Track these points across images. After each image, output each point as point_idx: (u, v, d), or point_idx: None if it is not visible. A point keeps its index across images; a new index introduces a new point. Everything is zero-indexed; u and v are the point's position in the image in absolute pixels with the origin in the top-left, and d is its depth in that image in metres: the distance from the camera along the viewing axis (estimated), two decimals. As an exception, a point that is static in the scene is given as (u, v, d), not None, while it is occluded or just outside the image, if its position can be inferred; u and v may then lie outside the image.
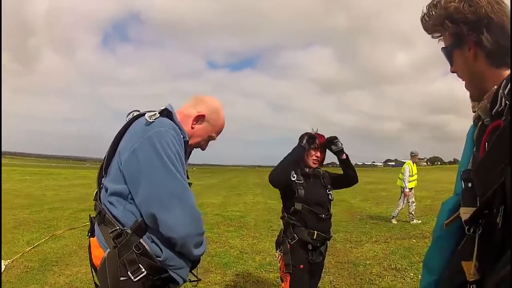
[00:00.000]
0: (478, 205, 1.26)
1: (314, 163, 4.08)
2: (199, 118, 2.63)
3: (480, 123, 1.49)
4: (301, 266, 3.83)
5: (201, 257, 2.53)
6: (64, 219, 12.51)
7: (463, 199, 1.37)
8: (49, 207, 15.43)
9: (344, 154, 4.18)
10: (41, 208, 15.06)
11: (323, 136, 4.16)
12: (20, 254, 7.80)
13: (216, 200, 19.61)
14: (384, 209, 16.02)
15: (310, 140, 4.04)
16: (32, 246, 8.55)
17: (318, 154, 4.09)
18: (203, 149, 2.77)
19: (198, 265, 2.63)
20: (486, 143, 1.30)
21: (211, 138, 2.74)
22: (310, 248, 3.92)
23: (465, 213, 1.30)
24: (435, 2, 1.56)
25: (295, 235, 3.92)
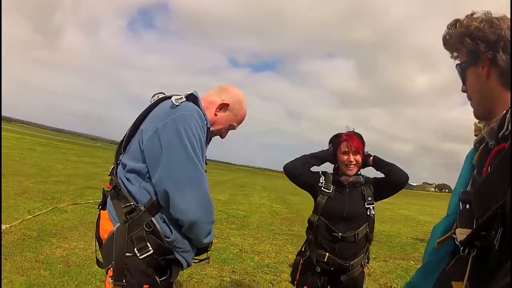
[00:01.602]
0: (474, 226, 1.26)
1: (349, 170, 3.46)
2: (223, 106, 2.67)
3: (482, 146, 1.49)
4: (305, 287, 3.45)
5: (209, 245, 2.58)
6: (69, 194, 12.51)
7: (460, 220, 1.38)
8: (55, 179, 15.42)
9: (371, 158, 3.58)
10: (46, 179, 15.05)
11: (356, 137, 3.52)
12: (19, 221, 7.77)
13: (222, 197, 19.54)
14: (387, 228, 15.92)
15: (335, 141, 3.57)
16: (32, 215, 8.52)
17: (352, 158, 3.45)
18: (222, 137, 2.81)
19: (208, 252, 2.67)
20: (490, 166, 1.27)
21: (231, 127, 2.78)
22: (319, 271, 3.42)
23: (461, 233, 1.30)
24: (456, 21, 1.58)
25: (308, 251, 3.52)
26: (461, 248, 1.28)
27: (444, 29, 1.63)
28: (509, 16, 1.48)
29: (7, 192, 10.54)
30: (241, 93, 2.80)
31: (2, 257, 5.58)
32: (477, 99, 1.56)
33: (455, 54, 1.63)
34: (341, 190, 3.50)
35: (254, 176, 78.05)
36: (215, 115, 2.64)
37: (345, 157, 3.45)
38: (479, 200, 1.27)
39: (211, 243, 2.56)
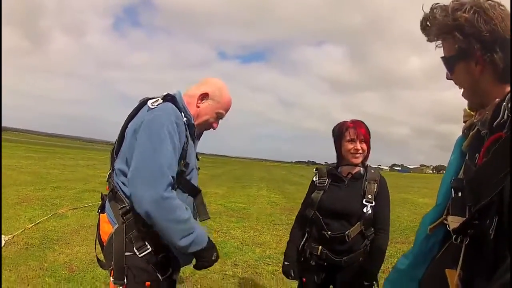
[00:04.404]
0: (467, 214, 1.27)
1: (355, 158, 3.21)
2: (203, 97, 2.71)
3: (472, 132, 1.49)
4: (304, 279, 3.32)
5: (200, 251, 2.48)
6: (68, 199, 12.51)
7: (452, 207, 1.38)
8: (53, 185, 15.39)
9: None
10: (45, 186, 15.04)
11: (362, 124, 3.25)
12: (21, 230, 7.81)
13: (220, 190, 19.55)
14: (387, 213, 15.99)
15: (339, 132, 3.29)
16: (33, 223, 8.55)
17: (359, 146, 3.19)
18: (214, 127, 2.83)
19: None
20: (485, 154, 1.28)
21: (219, 115, 2.80)
22: (314, 264, 3.23)
23: (453, 221, 1.31)
24: (438, 5, 1.47)
25: (307, 243, 3.34)
26: (454, 236, 1.29)
27: (423, 11, 1.50)
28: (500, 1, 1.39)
29: (6, 202, 10.58)
30: (219, 81, 2.83)
31: (7, 268, 5.69)
32: (468, 92, 1.50)
33: (436, 40, 1.54)
34: (338, 183, 3.30)
35: (250, 168, 77.81)
36: (198, 107, 2.68)
37: (351, 145, 3.20)
38: (472, 188, 1.27)
39: (203, 252, 2.45)
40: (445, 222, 1.41)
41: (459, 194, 1.38)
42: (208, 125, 2.79)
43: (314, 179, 3.42)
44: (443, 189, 1.57)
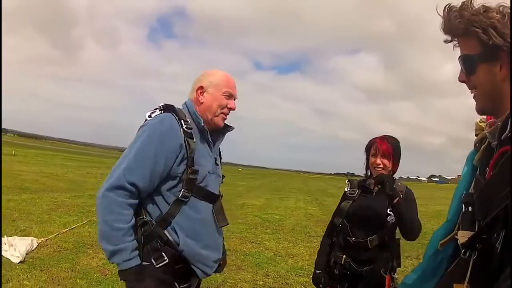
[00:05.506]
0: (476, 229, 1.27)
1: (377, 172, 3.30)
2: (201, 91, 2.68)
3: (484, 146, 1.48)
4: (328, 287, 3.39)
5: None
6: (104, 206, 12.52)
7: (462, 222, 1.39)
8: (89, 193, 15.43)
9: (395, 200, 3.10)
10: (81, 193, 15.22)
11: (388, 142, 3.33)
12: (55, 234, 7.90)
13: (258, 202, 19.65)
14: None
15: (367, 146, 3.44)
16: (68, 228, 8.64)
17: (378, 161, 3.29)
18: (232, 107, 2.73)
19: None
20: (493, 168, 1.28)
21: (227, 94, 2.70)
22: (337, 273, 3.32)
23: (462, 236, 1.31)
24: (466, 5, 1.39)
25: (332, 252, 3.45)
26: (462, 251, 1.28)
27: (446, 12, 1.44)
28: None
29: (41, 208, 10.81)
30: (206, 70, 2.80)
31: (38, 268, 5.77)
32: (484, 95, 1.44)
33: (454, 40, 1.48)
34: (367, 194, 3.44)
35: (288, 179, 77.99)
36: (202, 102, 2.65)
37: (373, 159, 3.35)
38: (481, 202, 1.28)
39: (125, 275, 2.36)
40: (456, 237, 1.40)
41: (469, 208, 1.38)
42: (223, 109, 2.69)
43: (346, 189, 3.56)
44: (454, 204, 1.56)
